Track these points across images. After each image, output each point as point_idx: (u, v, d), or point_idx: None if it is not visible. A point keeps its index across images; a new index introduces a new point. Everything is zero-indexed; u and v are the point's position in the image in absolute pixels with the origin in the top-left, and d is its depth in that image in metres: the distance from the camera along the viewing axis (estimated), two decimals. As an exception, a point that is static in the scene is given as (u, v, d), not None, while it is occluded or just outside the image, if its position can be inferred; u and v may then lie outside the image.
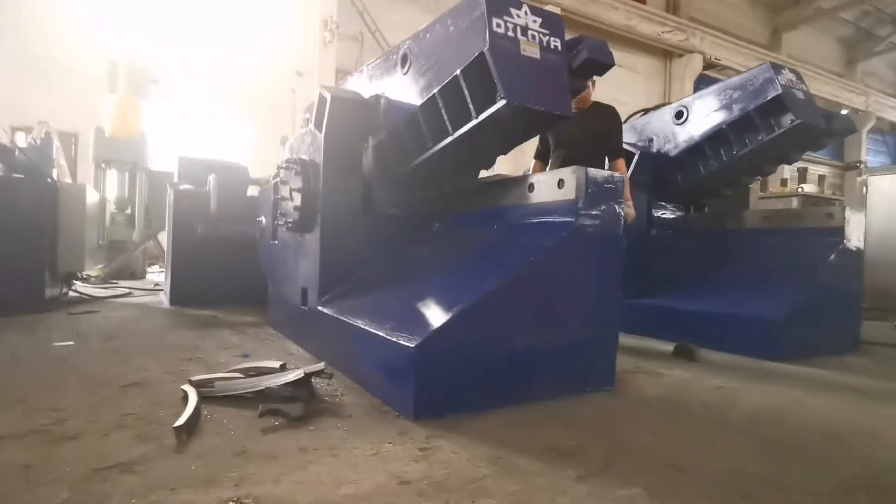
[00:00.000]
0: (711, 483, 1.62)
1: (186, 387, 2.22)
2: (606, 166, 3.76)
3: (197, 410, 1.99)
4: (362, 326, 2.49)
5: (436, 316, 2.24)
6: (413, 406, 2.06)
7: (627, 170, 4.10)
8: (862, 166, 17.72)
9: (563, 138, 3.81)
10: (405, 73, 2.86)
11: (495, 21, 2.27)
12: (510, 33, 2.30)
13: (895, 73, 21.25)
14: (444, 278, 2.72)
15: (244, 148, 10.10)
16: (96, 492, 1.41)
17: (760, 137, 4.14)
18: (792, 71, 4.13)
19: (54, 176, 4.87)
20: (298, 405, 2.06)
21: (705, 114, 4.50)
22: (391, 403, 2.21)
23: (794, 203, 7.69)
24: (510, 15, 2.32)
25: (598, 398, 2.47)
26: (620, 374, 2.74)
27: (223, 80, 10.09)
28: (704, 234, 4.91)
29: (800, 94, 4.01)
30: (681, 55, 14.56)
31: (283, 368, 2.48)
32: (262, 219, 4.35)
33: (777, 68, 4.03)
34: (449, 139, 2.61)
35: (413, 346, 2.06)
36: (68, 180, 6.68)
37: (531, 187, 2.69)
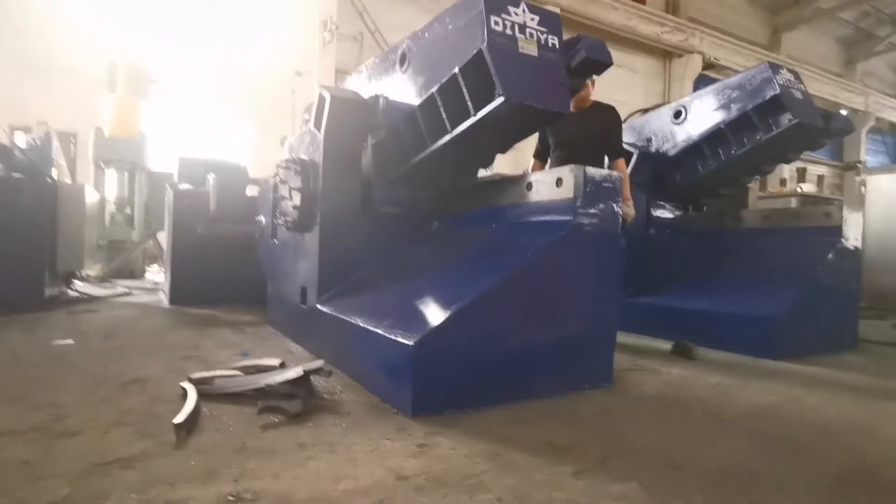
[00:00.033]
0: (708, 479, 1.63)
1: (186, 384, 2.23)
2: (606, 166, 3.77)
3: (196, 407, 2.00)
4: (361, 325, 2.50)
5: (434, 314, 2.25)
6: (411, 403, 2.07)
7: (627, 169, 4.11)
8: (861, 166, 17.73)
9: (563, 138, 3.82)
10: (404, 72, 2.87)
11: (493, 19, 2.28)
12: (508, 31, 2.31)
13: (894, 74, 21.25)
14: (443, 277, 2.73)
15: (244, 148, 10.09)
16: (96, 487, 1.42)
17: (759, 137, 4.15)
18: (790, 71, 4.14)
19: (54, 176, 4.88)
20: (297, 402, 2.07)
21: (704, 113, 4.52)
22: (390, 401, 2.22)
23: (793, 202, 7.71)
24: (508, 13, 2.33)
25: (596, 395, 2.48)
26: (619, 372, 2.75)
27: (223, 80, 10.08)
28: (703, 234, 4.92)
29: (798, 94, 4.02)
30: (680, 55, 14.55)
31: (282, 366, 2.50)
32: (262, 218, 4.36)
33: (775, 68, 4.04)
34: (448, 137, 2.62)
35: (412, 343, 2.07)
36: (68, 180, 6.68)
37: (529, 186, 2.70)
